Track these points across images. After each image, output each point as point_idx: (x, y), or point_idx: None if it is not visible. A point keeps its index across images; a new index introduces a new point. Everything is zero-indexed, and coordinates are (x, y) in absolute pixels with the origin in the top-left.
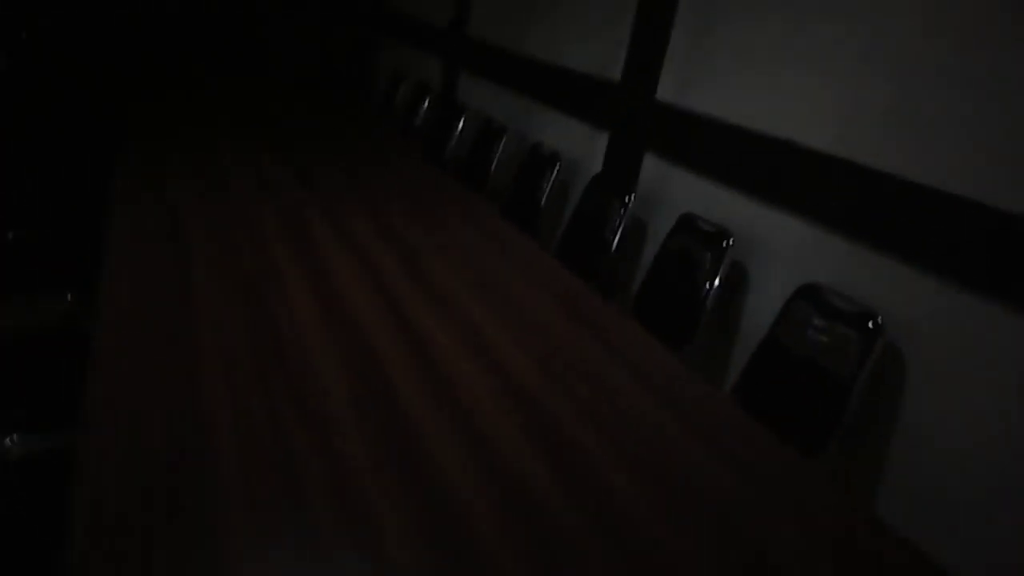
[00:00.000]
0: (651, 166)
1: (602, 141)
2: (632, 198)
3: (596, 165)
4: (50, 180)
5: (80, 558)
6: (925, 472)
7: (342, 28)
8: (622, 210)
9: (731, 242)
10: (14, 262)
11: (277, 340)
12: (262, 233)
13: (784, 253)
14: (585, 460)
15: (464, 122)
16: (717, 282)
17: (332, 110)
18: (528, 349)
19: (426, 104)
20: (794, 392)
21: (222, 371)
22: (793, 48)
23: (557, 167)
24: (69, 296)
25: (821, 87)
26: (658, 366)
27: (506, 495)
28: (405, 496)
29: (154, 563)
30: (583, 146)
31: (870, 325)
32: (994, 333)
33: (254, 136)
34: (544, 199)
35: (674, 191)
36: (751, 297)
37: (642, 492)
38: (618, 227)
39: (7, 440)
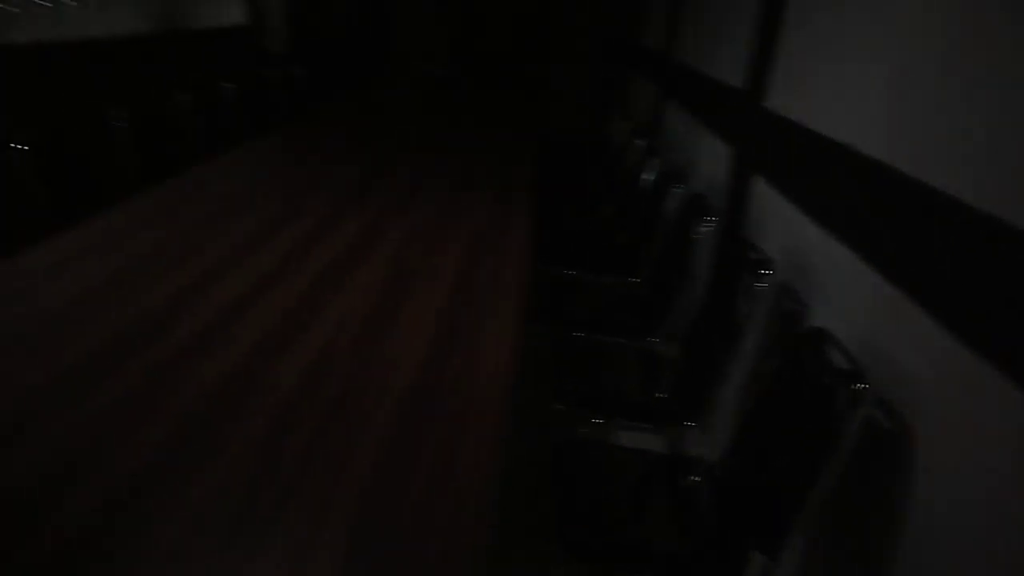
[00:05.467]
0: (759, 189)
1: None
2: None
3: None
4: None
5: None
6: None
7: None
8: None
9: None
10: None
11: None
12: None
13: (835, 293)
14: None
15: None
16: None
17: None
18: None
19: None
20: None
21: None
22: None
23: (680, 187)
24: None
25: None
26: None
27: None
28: None
29: None
30: (721, 169)
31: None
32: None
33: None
34: (661, 220)
35: (771, 218)
36: None
37: None
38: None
39: None
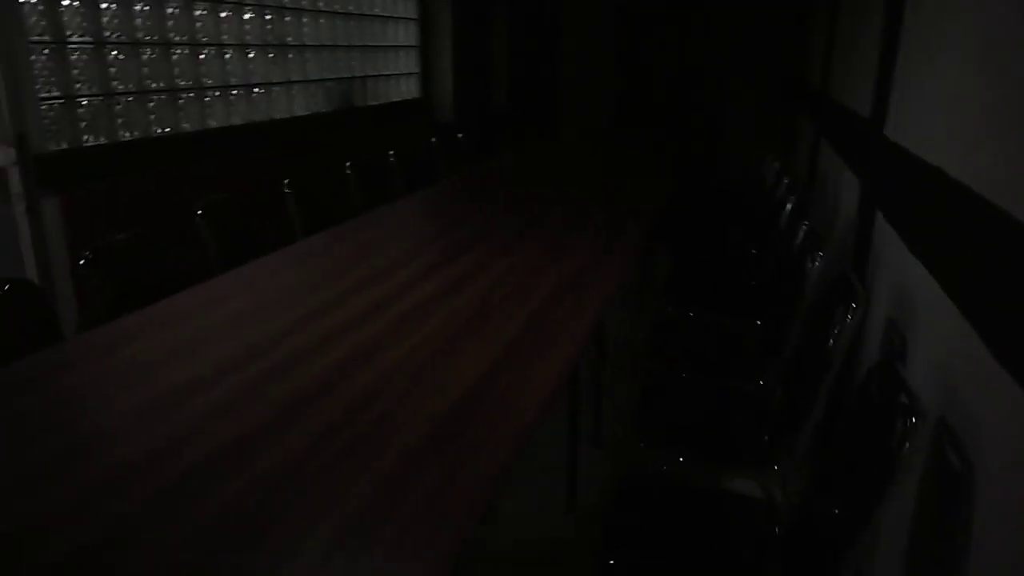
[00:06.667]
0: (880, 226)
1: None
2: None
3: None
4: None
5: None
6: None
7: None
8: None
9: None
10: None
11: None
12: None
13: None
14: None
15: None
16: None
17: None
18: None
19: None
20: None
21: None
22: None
23: (804, 227)
24: None
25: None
26: None
27: None
28: None
29: None
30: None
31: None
32: None
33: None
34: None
35: (886, 262)
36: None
37: None
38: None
39: None
